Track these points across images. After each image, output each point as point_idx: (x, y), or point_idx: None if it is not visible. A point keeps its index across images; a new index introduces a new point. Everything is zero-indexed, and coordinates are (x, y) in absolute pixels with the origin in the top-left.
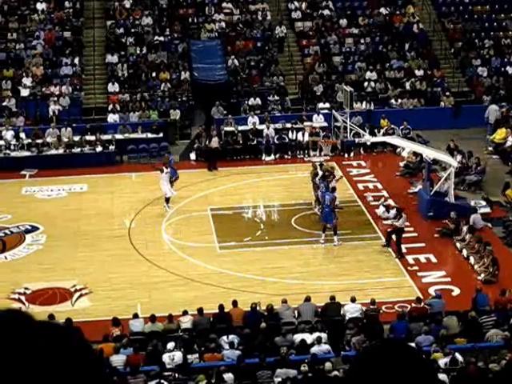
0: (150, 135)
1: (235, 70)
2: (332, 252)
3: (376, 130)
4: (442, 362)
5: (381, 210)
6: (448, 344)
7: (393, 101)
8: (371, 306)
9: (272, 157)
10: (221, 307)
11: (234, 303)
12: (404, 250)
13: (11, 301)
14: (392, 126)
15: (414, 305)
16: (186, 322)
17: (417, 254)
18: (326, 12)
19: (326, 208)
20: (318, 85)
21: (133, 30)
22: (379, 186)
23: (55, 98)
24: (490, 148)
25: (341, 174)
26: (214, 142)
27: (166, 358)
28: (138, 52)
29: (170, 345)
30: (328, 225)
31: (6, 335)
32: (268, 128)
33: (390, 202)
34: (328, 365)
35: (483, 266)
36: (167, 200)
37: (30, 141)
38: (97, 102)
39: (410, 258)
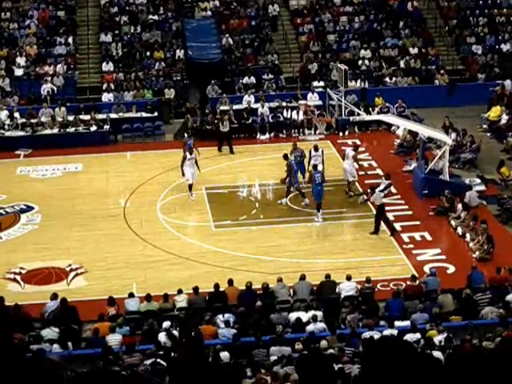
0: (144, 114)
1: (229, 49)
2: (327, 230)
3: (371, 109)
4: (437, 339)
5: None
6: (443, 321)
7: (387, 79)
8: (366, 285)
9: (267, 135)
10: (216, 286)
11: (230, 282)
12: (398, 228)
13: (7, 280)
14: (387, 104)
15: (409, 283)
16: (182, 301)
17: (412, 232)
18: None
19: (318, 186)
20: (313, 63)
21: (127, 9)
22: (374, 164)
23: (49, 78)
24: (485, 126)
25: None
26: (226, 127)
27: (162, 336)
28: (132, 31)
29: (166, 324)
30: (316, 201)
31: None
32: (263, 107)
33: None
34: (323, 343)
35: (478, 244)
36: (190, 187)
37: (24, 120)
38: (91, 82)
39: (405, 236)
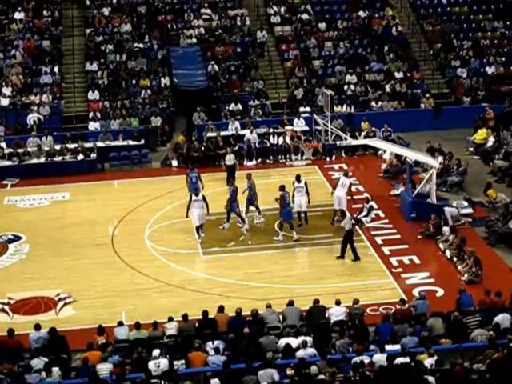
0: (131, 142)
1: (215, 76)
2: (315, 255)
3: (357, 133)
4: (428, 362)
5: (368, 219)
6: (433, 345)
7: (373, 103)
8: (355, 306)
9: (254, 161)
10: (204, 313)
11: (221, 309)
12: (387, 252)
13: None
14: (373, 128)
15: (398, 306)
16: (171, 329)
17: (400, 256)
18: (305, 16)
19: (287, 207)
20: (299, 89)
21: (112, 38)
22: (361, 188)
23: (35, 107)
24: (471, 149)
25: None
26: (230, 160)
27: (151, 365)
28: (118, 59)
29: (156, 352)
30: (286, 223)
31: None
32: (252, 132)
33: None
34: (314, 368)
35: (467, 267)
36: (197, 229)
37: (11, 150)
38: (77, 111)
39: (393, 260)
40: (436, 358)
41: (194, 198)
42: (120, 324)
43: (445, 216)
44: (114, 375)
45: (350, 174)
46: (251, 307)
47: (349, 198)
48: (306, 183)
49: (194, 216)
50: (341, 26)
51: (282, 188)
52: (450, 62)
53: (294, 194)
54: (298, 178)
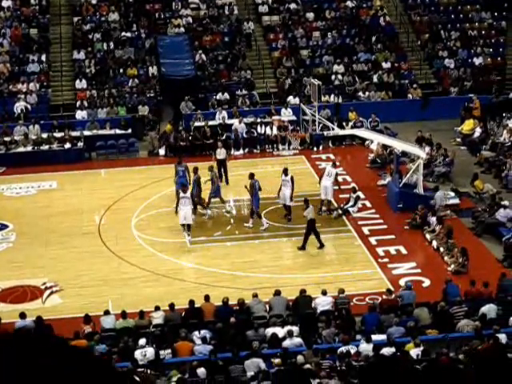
0: (118, 131)
1: (203, 65)
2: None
3: (344, 123)
4: (414, 352)
5: (355, 209)
6: (419, 335)
7: (360, 93)
8: (341, 295)
9: (241, 151)
10: (191, 302)
11: (206, 298)
12: (374, 243)
13: None
14: (360, 118)
15: (384, 297)
16: (158, 318)
17: (387, 246)
18: (293, 6)
19: (257, 195)
20: (286, 79)
21: (100, 26)
22: (348, 178)
23: (23, 96)
24: (458, 139)
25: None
26: (221, 154)
27: (138, 354)
28: (105, 48)
29: (142, 341)
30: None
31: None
32: (240, 122)
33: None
34: (300, 358)
35: (453, 258)
36: (185, 227)
37: None
38: (64, 99)
39: (380, 250)
40: (422, 348)
41: (181, 194)
42: (106, 313)
43: (434, 201)
44: None
45: (337, 163)
46: (238, 297)
47: (336, 187)
48: (292, 178)
49: (180, 214)
50: (329, 16)
51: (252, 176)
52: (437, 53)
53: (280, 187)
54: (286, 172)
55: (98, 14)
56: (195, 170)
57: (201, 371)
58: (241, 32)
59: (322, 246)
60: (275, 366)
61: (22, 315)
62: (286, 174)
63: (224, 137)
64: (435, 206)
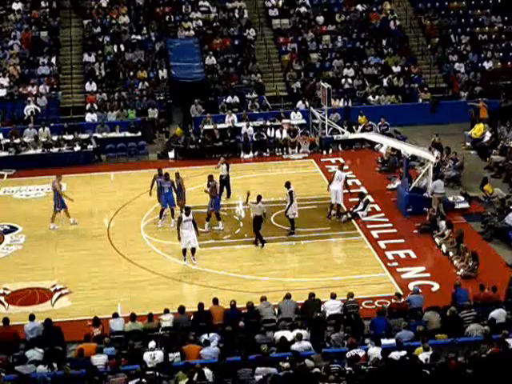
0: (127, 134)
1: (213, 68)
2: (310, 249)
3: (354, 127)
4: (423, 356)
5: (364, 213)
6: (428, 339)
7: (370, 97)
8: (350, 299)
9: (250, 154)
10: (200, 305)
11: (215, 301)
12: (383, 247)
13: None
14: (370, 122)
15: (393, 301)
16: (167, 321)
17: (396, 250)
18: (303, 9)
19: (217, 196)
20: (296, 82)
21: (110, 29)
22: (358, 182)
23: (33, 98)
24: (468, 143)
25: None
26: (223, 170)
27: (146, 356)
28: (116, 51)
29: (152, 343)
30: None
31: None
32: (248, 126)
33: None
34: (308, 362)
35: (462, 262)
36: (191, 251)
37: (7, 141)
38: (74, 102)
39: (389, 254)
40: (431, 352)
41: (184, 218)
42: (115, 316)
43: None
44: (109, 367)
45: (345, 167)
46: (247, 300)
47: (345, 191)
48: (291, 192)
49: (183, 238)
50: (339, 20)
51: (211, 178)
52: (447, 57)
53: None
54: (288, 185)
55: (108, 16)
56: (177, 174)
57: (207, 372)
58: (245, 38)
59: (263, 243)
60: (283, 369)
61: (32, 317)
62: (288, 187)
63: (233, 140)
64: (431, 191)
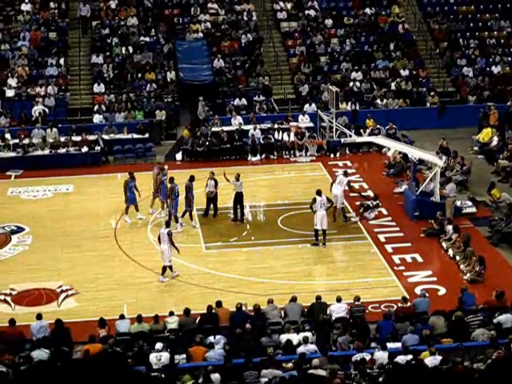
0: (135, 136)
1: (221, 71)
2: (317, 252)
3: (362, 130)
4: (429, 361)
5: (372, 216)
6: (435, 343)
7: (378, 101)
8: (356, 303)
9: (258, 157)
10: (209, 307)
11: (218, 303)
12: (390, 250)
13: None
14: (378, 125)
15: (400, 304)
16: (173, 323)
17: (403, 254)
18: (312, 12)
19: (176, 199)
20: (304, 85)
21: (118, 31)
22: (365, 185)
23: (41, 99)
24: (476, 148)
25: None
26: (210, 186)
27: (152, 358)
28: (124, 52)
29: (159, 345)
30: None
31: None
32: (255, 129)
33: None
34: (315, 361)
35: (469, 266)
36: (164, 269)
37: (15, 141)
38: (82, 103)
39: (396, 258)
40: (437, 356)
41: (161, 230)
42: (121, 317)
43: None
44: None
45: (349, 172)
46: (253, 302)
47: (355, 194)
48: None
49: (165, 251)
50: (347, 23)
51: (171, 180)
52: (455, 61)
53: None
54: (319, 193)
55: (117, 18)
56: (171, 179)
57: (215, 377)
58: (259, 39)
59: (235, 218)
60: (287, 370)
61: (39, 316)
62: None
63: (241, 142)
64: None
